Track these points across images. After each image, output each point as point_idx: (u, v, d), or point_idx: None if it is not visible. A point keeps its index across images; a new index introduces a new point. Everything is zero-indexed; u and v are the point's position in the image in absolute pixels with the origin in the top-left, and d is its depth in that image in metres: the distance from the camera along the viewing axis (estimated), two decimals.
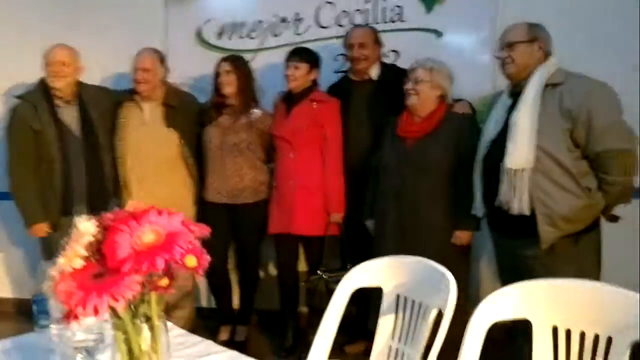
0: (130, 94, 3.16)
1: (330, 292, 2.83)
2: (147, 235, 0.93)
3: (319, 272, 2.92)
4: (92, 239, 0.94)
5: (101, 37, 3.58)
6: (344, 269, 2.90)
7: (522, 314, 1.44)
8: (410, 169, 2.57)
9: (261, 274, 3.38)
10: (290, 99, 3.06)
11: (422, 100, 2.58)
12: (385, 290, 1.74)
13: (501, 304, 1.47)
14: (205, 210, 3.13)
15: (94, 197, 3.01)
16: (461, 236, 2.55)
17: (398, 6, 3.26)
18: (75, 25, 3.59)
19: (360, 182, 2.88)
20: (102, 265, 0.92)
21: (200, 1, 3.61)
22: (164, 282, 0.96)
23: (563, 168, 2.12)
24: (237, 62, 3.11)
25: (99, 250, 0.94)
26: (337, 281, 2.76)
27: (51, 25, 3.62)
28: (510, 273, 2.27)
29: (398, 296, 1.71)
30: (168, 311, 3.33)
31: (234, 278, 3.32)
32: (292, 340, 3.12)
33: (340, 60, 3.33)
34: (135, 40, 3.49)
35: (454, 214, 2.53)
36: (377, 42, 2.99)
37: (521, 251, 2.23)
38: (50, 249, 3.02)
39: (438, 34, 3.21)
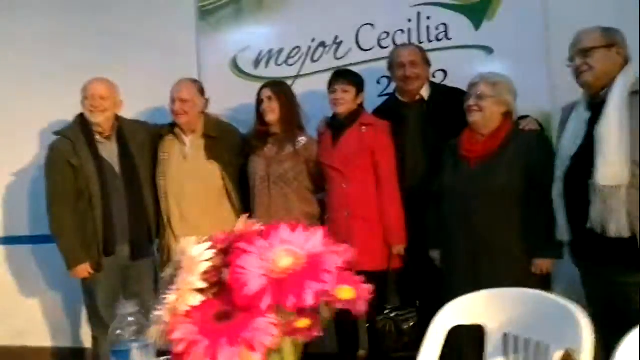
0: (169, 127, 3.02)
1: (401, 333, 2.64)
2: (283, 259, 0.71)
3: (386, 311, 2.70)
4: (209, 266, 0.74)
5: (132, 70, 3.46)
6: (411, 305, 2.69)
7: None
8: (477, 192, 2.37)
9: None
10: (336, 125, 2.89)
11: (486, 117, 2.40)
12: (488, 328, 1.53)
13: None
14: None
15: (137, 236, 2.85)
16: (542, 265, 2.32)
17: (443, 24, 3.12)
18: (105, 59, 3.50)
19: (419, 210, 2.68)
20: (225, 301, 0.71)
21: (235, 29, 3.50)
22: (304, 323, 0.74)
23: None
24: (280, 88, 2.96)
25: (219, 281, 0.74)
26: (409, 320, 2.58)
27: (81, 59, 3.54)
28: (604, 304, 2.05)
29: (506, 335, 1.51)
30: None
31: None
32: None
33: (383, 83, 3.19)
34: (167, 72, 3.39)
35: (531, 240, 2.31)
36: (426, 61, 2.85)
37: (619, 279, 2.00)
38: (92, 293, 2.84)
39: (489, 50, 3.05)
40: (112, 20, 3.66)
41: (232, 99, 3.39)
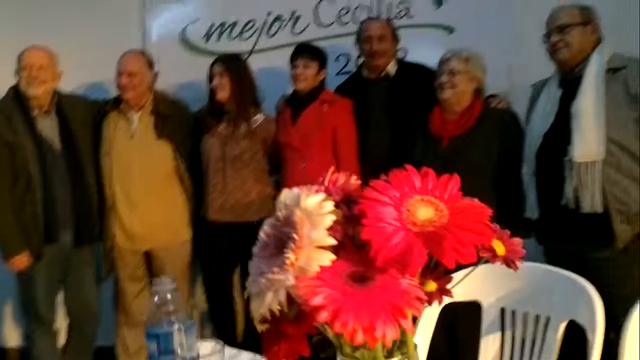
0: (113, 103, 2.79)
1: None
2: (421, 210, 0.63)
3: None
4: (334, 219, 0.63)
5: (68, 40, 3.16)
6: None
7: None
8: (450, 172, 2.31)
9: None
10: (296, 102, 2.76)
11: (458, 93, 2.35)
12: (485, 304, 1.48)
13: None
14: (206, 231, 2.79)
15: (81, 220, 2.61)
16: None
17: (404, 2, 3.05)
18: (39, 25, 3.19)
19: None
20: (353, 259, 0.62)
21: None
22: (432, 286, 0.65)
23: (636, 160, 1.94)
24: (231, 63, 2.77)
25: (341, 237, 0.64)
26: None
27: (13, 25, 3.22)
28: None
29: (502, 309, 1.46)
30: None
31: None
32: None
33: (342, 61, 3.09)
34: (108, 45, 3.14)
35: (502, 219, 2.28)
36: (395, 37, 2.76)
37: (590, 254, 2.02)
38: (30, 284, 2.57)
39: (449, 29, 3.02)
40: None
41: (181, 74, 3.16)
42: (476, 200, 0.68)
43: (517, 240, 0.71)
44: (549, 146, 2.10)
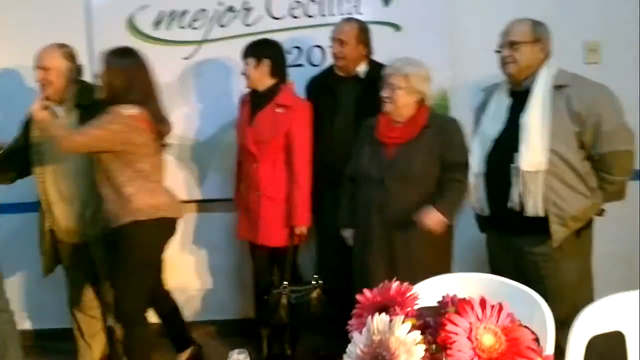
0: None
1: (292, 307, 2.72)
2: (485, 338, 0.78)
3: (283, 285, 2.74)
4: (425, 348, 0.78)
5: (9, 21, 3.03)
6: (309, 282, 2.77)
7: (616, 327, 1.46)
8: (395, 180, 2.41)
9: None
10: (255, 100, 2.80)
11: (399, 107, 2.42)
12: None
13: (597, 317, 1.48)
14: None
15: None
16: (432, 218, 2.34)
17: None
18: None
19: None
20: None
21: None
22: None
23: (573, 170, 2.16)
24: None
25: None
26: (299, 297, 2.68)
27: None
28: (511, 271, 2.26)
29: None
30: None
31: None
32: (267, 350, 2.95)
33: (294, 53, 3.14)
34: (49, 27, 3.03)
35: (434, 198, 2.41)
36: (363, 40, 2.80)
37: (528, 249, 2.26)
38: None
39: (396, 27, 3.14)
40: None
41: None
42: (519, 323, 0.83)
43: (550, 356, 0.87)
44: (498, 151, 2.27)
